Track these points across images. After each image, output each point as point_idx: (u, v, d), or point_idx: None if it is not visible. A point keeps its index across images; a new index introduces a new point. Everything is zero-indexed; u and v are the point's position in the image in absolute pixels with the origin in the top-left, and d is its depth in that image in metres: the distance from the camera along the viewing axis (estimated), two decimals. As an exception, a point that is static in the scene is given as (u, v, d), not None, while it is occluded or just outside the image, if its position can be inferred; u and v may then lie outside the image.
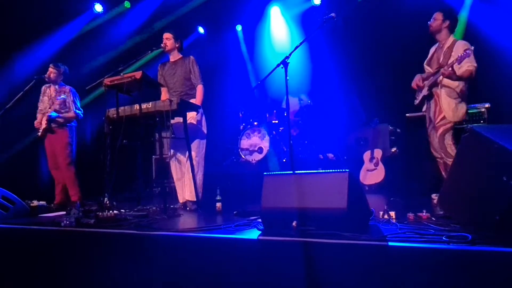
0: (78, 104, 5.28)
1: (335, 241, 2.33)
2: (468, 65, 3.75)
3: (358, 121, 6.63)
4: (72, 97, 5.19)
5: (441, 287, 2.04)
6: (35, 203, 4.51)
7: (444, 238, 2.19)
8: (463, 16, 5.69)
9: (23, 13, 5.83)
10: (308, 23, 7.35)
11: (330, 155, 6.56)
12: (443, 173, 4.07)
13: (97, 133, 6.18)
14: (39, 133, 5.06)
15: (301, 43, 3.83)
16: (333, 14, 3.76)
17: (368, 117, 6.33)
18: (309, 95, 6.99)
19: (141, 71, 3.90)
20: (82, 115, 5.26)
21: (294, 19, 7.62)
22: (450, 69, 3.77)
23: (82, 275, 3.08)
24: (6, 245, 3.43)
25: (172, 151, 4.50)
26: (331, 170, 2.76)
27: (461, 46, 3.86)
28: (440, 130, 3.93)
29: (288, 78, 3.76)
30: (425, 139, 4.34)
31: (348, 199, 2.51)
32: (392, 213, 3.10)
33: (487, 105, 4.61)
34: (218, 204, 4.03)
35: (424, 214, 3.00)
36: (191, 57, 4.51)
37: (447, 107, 3.90)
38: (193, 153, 4.25)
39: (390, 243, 2.21)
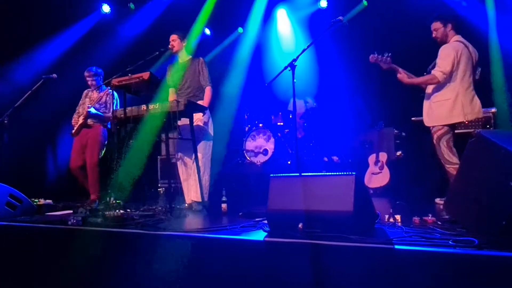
0: (118, 107, 5.29)
1: (341, 244, 2.33)
2: (434, 70, 3.72)
3: (363, 124, 6.63)
4: (112, 99, 5.22)
5: (447, 291, 2.04)
6: (41, 201, 4.54)
7: (450, 242, 2.19)
8: (493, 37, 5.50)
9: (30, 13, 5.87)
10: (314, 26, 7.36)
11: (335, 158, 6.56)
12: (450, 177, 4.06)
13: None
14: (73, 131, 5.14)
15: (308, 46, 3.84)
16: (340, 17, 3.77)
17: (373, 120, 6.33)
18: (314, 97, 7.00)
19: (149, 72, 3.93)
20: None
21: (301, 21, 7.63)
22: (400, 74, 3.86)
23: (88, 273, 3.10)
24: (13, 242, 3.46)
25: (180, 154, 4.52)
26: (337, 173, 2.77)
27: (440, 50, 3.78)
28: (434, 137, 3.86)
29: (295, 80, 3.77)
30: (430, 143, 4.33)
31: (354, 202, 2.52)
32: (398, 217, 3.10)
33: (493, 110, 4.59)
34: (224, 205, 4.05)
35: (430, 218, 3.00)
36: (201, 58, 4.53)
37: (424, 113, 3.88)
38: (199, 155, 4.27)
39: (396, 246, 2.21)
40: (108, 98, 5.20)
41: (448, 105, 3.72)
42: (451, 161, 3.70)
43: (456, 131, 4.36)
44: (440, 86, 3.76)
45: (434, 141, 3.85)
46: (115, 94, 5.22)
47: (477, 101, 3.78)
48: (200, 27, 7.00)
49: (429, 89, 3.88)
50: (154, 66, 6.28)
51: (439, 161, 4.11)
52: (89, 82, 5.24)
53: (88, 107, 5.07)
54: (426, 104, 3.90)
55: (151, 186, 6.74)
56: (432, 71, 3.72)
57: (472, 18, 5.68)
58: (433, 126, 3.82)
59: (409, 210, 3.65)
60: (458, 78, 3.71)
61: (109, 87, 5.21)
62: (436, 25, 3.92)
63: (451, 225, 2.79)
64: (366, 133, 6.38)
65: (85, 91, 5.36)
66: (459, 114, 3.70)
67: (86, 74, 5.25)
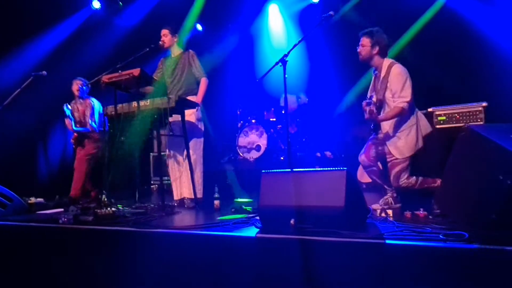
0: (96, 117, 5.36)
1: (332, 239, 2.34)
2: (398, 102, 3.44)
3: (355, 119, 6.63)
4: (90, 110, 5.32)
5: (438, 285, 2.05)
6: (32, 200, 4.50)
7: (441, 236, 2.20)
8: (484, 31, 5.37)
9: (20, 9, 5.80)
10: (306, 21, 7.34)
11: (328, 153, 6.57)
12: (377, 180, 3.77)
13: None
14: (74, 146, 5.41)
15: (299, 41, 3.82)
16: (331, 12, 3.76)
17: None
18: (307, 93, 6.99)
19: (139, 69, 3.90)
20: (96, 129, 5.35)
21: (293, 16, 7.61)
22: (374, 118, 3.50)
23: (79, 272, 3.09)
24: (3, 242, 3.43)
25: (171, 151, 4.49)
26: (329, 168, 2.77)
27: (394, 78, 3.49)
28: (397, 169, 3.52)
29: (286, 76, 3.76)
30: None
31: (345, 197, 2.52)
32: (390, 211, 3.11)
33: (484, 104, 4.59)
34: (216, 202, 4.04)
35: (421, 212, 3.02)
36: (191, 51, 4.50)
37: (391, 148, 3.55)
38: (190, 151, 4.25)
39: (387, 241, 2.22)
40: (89, 109, 5.35)
41: (414, 131, 3.54)
42: (412, 185, 3.52)
43: (446, 126, 4.37)
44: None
45: (394, 173, 3.54)
46: (93, 103, 5.35)
47: (422, 116, 3.68)
48: (192, 21, 6.98)
49: (389, 123, 3.58)
50: (146, 62, 6.24)
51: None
52: (76, 91, 5.38)
53: (74, 130, 5.27)
54: (392, 135, 3.57)
55: (143, 183, 6.72)
56: (398, 104, 3.44)
57: (462, 11, 5.70)
58: (397, 159, 3.51)
59: (401, 205, 3.66)
60: (413, 101, 3.54)
61: (92, 99, 5.35)
62: (364, 42, 3.63)
63: (442, 219, 2.80)
64: (359, 128, 6.38)
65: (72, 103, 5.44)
66: (424, 133, 3.59)
67: (78, 82, 5.36)
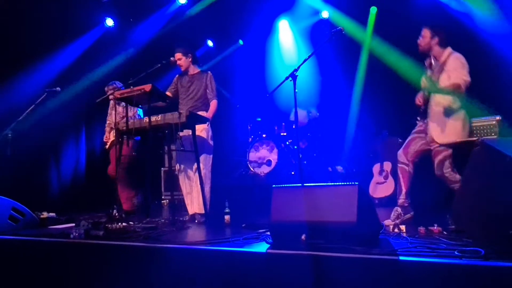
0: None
1: (344, 255, 2.30)
2: (455, 77, 3.48)
3: (367, 133, 6.60)
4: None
5: (453, 303, 2.00)
6: (44, 214, 4.52)
7: (456, 253, 2.15)
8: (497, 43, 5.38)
9: (34, 26, 5.93)
10: (316, 36, 7.38)
11: (339, 168, 6.53)
12: (401, 181, 3.81)
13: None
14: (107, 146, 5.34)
15: (309, 56, 3.84)
16: (341, 27, 3.78)
17: (377, 130, 6.30)
18: (317, 107, 6.99)
19: (150, 84, 3.94)
20: None
21: (303, 32, 7.66)
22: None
23: (90, 287, 3.08)
24: (15, 256, 3.44)
25: (181, 166, 4.49)
26: (340, 183, 2.74)
27: (454, 61, 3.59)
28: (440, 157, 3.58)
29: (296, 90, 3.77)
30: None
31: (357, 212, 2.49)
32: (403, 227, 3.06)
33: (498, 118, 4.54)
34: (227, 217, 4.02)
35: (435, 228, 2.96)
36: (209, 73, 4.55)
37: (438, 132, 3.59)
38: (201, 165, 4.25)
39: (401, 257, 2.17)
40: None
41: (461, 119, 3.55)
42: (455, 180, 3.51)
43: (459, 140, 4.30)
44: (454, 98, 3.55)
45: (437, 161, 3.59)
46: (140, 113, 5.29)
47: None
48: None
49: (443, 103, 3.59)
50: (158, 77, 6.32)
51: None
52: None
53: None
54: (440, 119, 3.60)
55: (154, 198, 6.74)
56: (456, 79, 3.46)
57: (473, 25, 5.67)
58: (442, 145, 3.55)
59: (414, 220, 3.60)
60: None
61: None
62: (425, 33, 3.75)
63: (457, 235, 2.74)
64: (370, 142, 6.34)
65: (111, 103, 5.34)
66: (461, 129, 3.58)
67: (109, 87, 5.31)
